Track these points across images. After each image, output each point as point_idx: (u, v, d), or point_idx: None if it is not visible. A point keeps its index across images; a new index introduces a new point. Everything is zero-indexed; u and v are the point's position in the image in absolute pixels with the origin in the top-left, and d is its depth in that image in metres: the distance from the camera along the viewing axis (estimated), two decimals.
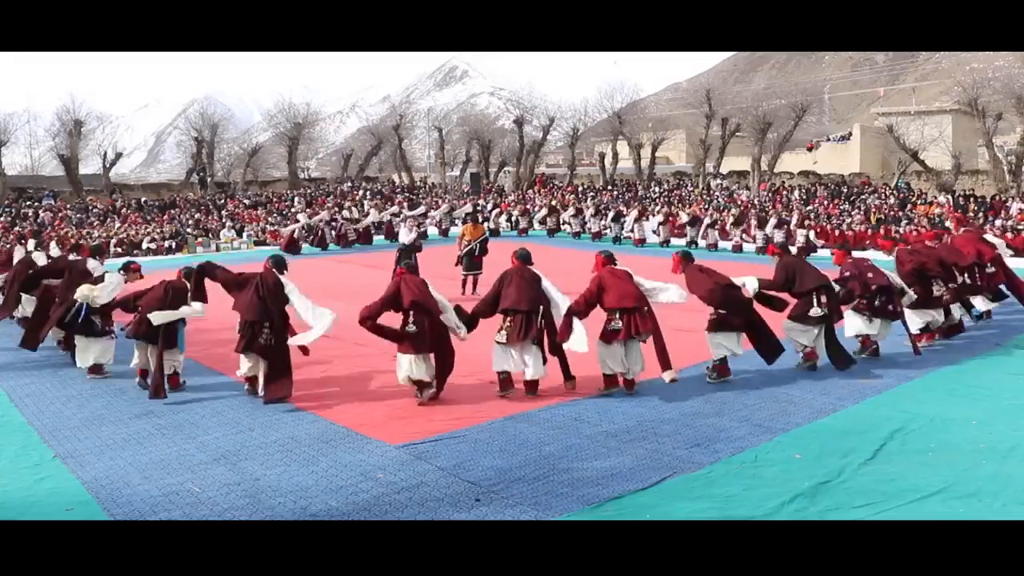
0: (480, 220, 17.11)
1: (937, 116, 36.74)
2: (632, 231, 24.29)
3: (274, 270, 8.06)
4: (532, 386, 7.72)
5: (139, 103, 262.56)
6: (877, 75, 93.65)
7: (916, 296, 9.38)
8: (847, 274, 9.02)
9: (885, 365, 8.70)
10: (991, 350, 9.47)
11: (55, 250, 13.93)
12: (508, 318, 7.74)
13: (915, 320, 9.46)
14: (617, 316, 7.61)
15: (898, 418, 6.78)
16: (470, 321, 8.06)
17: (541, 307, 7.78)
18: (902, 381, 8.06)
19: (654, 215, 25.68)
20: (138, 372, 8.34)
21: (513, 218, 28.40)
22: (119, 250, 23.06)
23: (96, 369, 8.81)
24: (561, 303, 7.83)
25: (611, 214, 25.50)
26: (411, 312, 7.53)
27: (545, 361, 7.78)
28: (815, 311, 8.35)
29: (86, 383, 8.55)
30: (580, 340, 7.58)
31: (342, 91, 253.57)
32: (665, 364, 7.57)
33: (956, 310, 10.21)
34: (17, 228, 23.85)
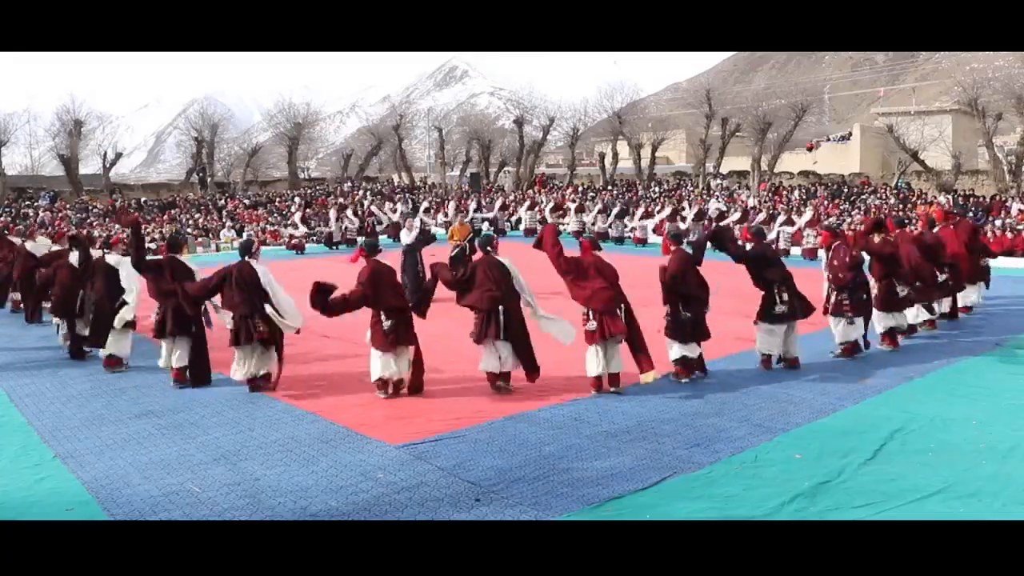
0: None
1: (937, 116, 36.74)
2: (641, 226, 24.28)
3: (247, 259, 8.13)
4: (505, 377, 7.80)
5: (139, 103, 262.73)
6: (877, 75, 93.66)
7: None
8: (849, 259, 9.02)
9: (885, 365, 8.70)
10: (991, 350, 9.47)
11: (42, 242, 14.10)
12: (475, 314, 7.83)
13: (882, 322, 9.48)
14: (590, 316, 7.65)
15: (898, 418, 6.78)
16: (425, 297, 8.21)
17: (505, 306, 7.72)
18: (902, 381, 8.06)
19: (658, 213, 25.60)
20: (172, 374, 8.39)
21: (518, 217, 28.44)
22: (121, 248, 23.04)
23: (115, 361, 9.05)
24: (531, 299, 7.89)
25: (616, 210, 25.46)
26: (383, 311, 7.62)
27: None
28: (779, 308, 8.41)
29: (86, 383, 8.55)
30: (565, 331, 7.86)
31: (342, 91, 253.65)
32: (646, 365, 7.65)
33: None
34: (19, 227, 23.85)
